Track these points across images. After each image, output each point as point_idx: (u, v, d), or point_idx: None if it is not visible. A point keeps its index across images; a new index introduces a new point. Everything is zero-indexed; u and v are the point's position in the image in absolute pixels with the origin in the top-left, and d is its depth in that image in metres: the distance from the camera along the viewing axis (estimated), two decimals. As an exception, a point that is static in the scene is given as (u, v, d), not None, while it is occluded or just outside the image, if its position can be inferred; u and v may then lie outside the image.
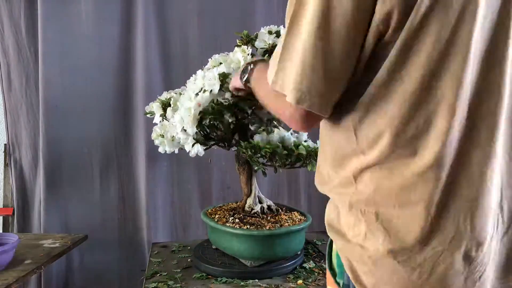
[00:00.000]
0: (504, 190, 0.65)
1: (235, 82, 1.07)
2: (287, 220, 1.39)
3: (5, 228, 2.12)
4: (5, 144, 2.14)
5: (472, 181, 0.62)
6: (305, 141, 1.38)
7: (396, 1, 0.59)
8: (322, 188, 0.79)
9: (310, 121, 0.69)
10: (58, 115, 2.04)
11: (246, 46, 1.24)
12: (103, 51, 2.05)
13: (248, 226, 1.32)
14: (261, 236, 1.28)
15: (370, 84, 0.64)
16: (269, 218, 1.39)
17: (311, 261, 1.43)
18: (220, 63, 1.25)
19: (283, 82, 0.67)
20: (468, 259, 0.63)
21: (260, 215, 1.40)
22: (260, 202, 1.44)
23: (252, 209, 1.41)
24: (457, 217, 0.62)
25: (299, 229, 1.34)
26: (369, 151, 0.66)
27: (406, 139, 0.63)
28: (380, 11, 0.60)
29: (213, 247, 1.49)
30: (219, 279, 1.30)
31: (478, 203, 0.63)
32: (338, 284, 0.74)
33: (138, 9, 2.04)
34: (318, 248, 1.58)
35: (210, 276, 1.32)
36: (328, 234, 0.75)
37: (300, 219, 1.41)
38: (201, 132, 1.29)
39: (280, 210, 1.46)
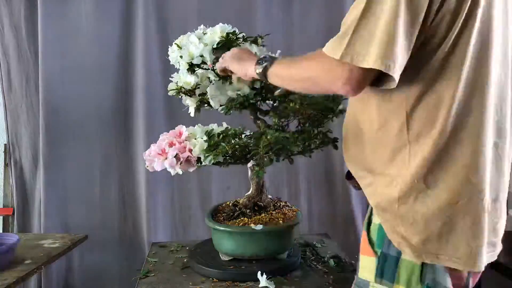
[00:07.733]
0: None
1: (241, 69, 1.06)
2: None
3: (5, 228, 2.12)
4: (5, 144, 2.14)
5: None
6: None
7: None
8: (362, 173, 0.92)
9: (364, 86, 0.79)
10: (58, 115, 2.05)
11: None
12: (103, 51, 2.05)
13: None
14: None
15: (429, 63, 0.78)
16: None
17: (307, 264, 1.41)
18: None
19: (361, 51, 0.75)
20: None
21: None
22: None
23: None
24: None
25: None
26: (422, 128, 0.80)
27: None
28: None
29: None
30: (211, 280, 1.30)
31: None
32: (376, 253, 0.87)
33: (138, 9, 2.04)
34: (317, 251, 1.55)
35: (203, 278, 1.32)
36: (377, 214, 0.88)
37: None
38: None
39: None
